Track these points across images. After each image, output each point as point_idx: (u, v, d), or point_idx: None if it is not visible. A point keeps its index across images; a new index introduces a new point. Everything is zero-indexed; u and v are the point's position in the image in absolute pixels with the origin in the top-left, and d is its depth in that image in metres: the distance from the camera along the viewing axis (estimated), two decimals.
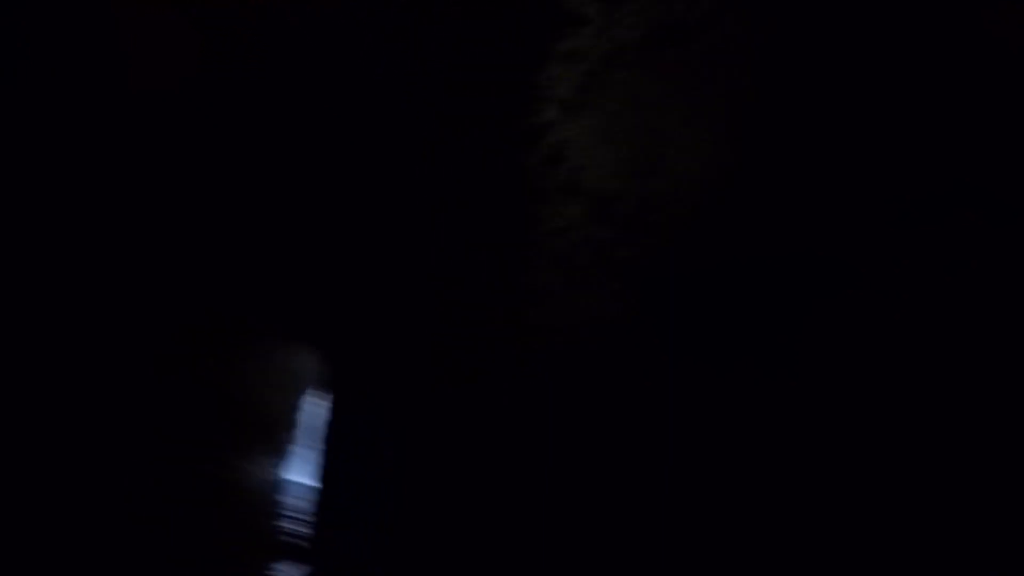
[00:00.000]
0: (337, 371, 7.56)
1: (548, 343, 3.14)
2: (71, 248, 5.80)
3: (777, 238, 2.29)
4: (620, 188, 2.79)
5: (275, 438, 12.62)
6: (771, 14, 2.14)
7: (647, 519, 2.32)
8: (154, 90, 4.40)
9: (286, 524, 3.32)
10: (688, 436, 2.32)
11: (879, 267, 2.01)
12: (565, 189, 3.22)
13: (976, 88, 1.67)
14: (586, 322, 2.94)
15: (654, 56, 2.68)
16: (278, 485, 10.76)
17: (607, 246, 2.86)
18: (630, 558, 2.27)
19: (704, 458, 2.18)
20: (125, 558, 2.64)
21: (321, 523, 4.61)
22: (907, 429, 1.87)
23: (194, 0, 3.77)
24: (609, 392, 2.70)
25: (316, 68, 4.39)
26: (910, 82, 1.89)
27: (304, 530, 3.44)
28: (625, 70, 2.84)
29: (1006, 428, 1.57)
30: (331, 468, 7.19)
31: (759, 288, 2.24)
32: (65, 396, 6.92)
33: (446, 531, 3.62)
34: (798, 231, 2.23)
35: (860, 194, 2.08)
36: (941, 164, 1.78)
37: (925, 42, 1.83)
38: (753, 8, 2.17)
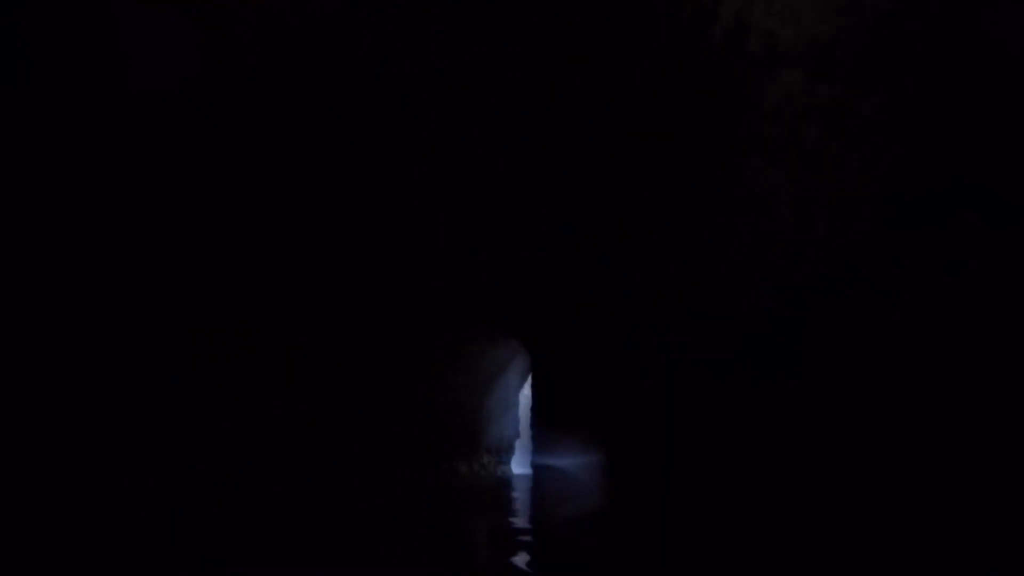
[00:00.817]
0: (540, 358, 7.35)
1: (780, 261, 2.41)
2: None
3: None
4: (836, 32, 2.12)
5: (499, 435, 12.79)
6: None
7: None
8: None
9: (512, 516, 3.20)
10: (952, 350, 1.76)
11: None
12: (768, 57, 2.44)
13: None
14: (828, 216, 2.20)
15: None
16: (505, 479, 10.95)
17: (841, 106, 2.15)
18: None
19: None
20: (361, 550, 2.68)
21: (540, 511, 4.31)
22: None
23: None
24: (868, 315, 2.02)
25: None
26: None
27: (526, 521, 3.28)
28: None
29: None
30: (543, 453, 7.09)
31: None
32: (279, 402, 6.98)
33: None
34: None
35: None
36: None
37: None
38: None
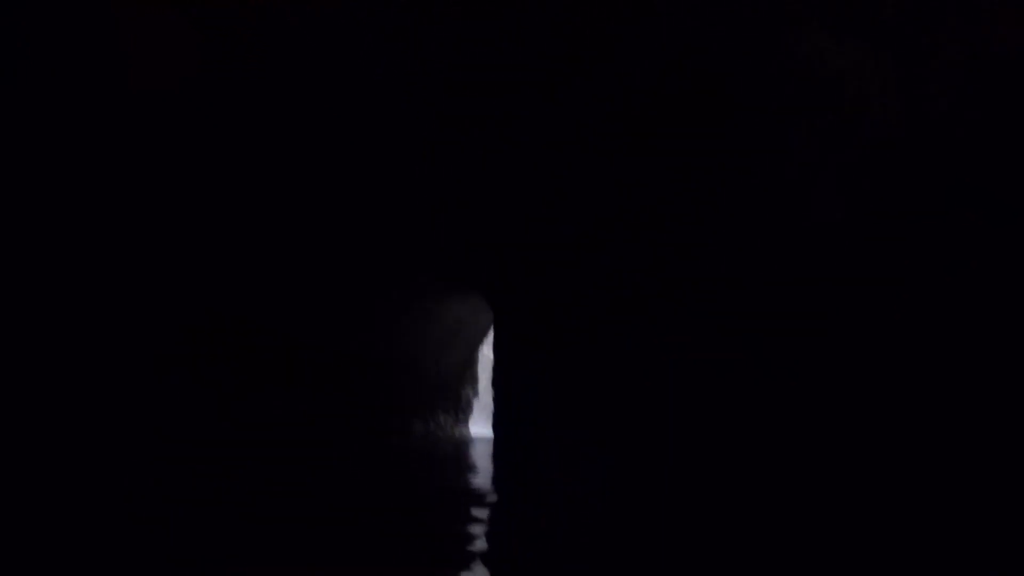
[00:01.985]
0: (505, 317, 6.98)
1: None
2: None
3: None
4: None
5: (456, 394, 12.46)
6: None
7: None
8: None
9: (470, 478, 3.14)
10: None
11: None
12: None
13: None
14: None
15: None
16: (463, 440, 10.71)
17: None
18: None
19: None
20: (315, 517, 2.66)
21: (500, 475, 4.09)
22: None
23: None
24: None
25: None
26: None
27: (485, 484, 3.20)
28: None
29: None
30: (505, 417, 6.76)
31: None
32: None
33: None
34: None
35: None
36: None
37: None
38: None
